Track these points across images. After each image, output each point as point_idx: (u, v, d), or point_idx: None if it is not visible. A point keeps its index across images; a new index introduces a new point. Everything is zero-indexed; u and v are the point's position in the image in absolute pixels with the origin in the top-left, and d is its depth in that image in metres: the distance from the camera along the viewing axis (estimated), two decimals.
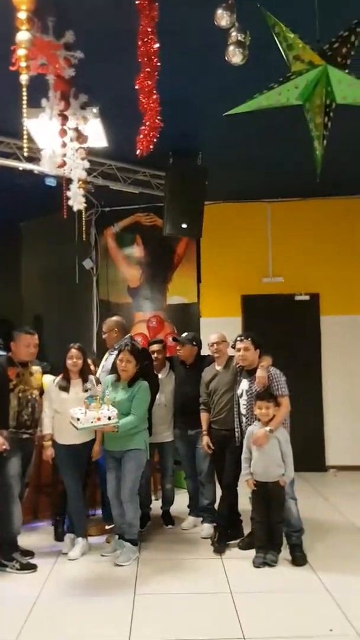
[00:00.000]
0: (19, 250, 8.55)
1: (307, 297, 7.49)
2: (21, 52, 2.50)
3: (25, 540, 4.74)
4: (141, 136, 2.95)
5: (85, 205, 4.33)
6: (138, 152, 3.06)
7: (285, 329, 7.28)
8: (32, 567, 4.25)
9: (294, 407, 4.54)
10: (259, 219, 7.51)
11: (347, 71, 2.71)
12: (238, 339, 4.62)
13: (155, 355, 5.15)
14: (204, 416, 4.90)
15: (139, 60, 2.84)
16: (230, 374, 4.78)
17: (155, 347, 5.20)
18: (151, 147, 3.05)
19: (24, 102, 2.51)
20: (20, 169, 5.35)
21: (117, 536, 4.61)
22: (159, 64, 2.84)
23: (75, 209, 4.00)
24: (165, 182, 5.89)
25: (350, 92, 2.70)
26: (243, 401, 4.57)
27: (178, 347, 5.20)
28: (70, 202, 3.96)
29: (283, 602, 3.73)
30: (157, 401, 5.02)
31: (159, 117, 2.95)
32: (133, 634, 3.32)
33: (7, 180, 6.01)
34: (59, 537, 4.83)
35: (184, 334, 5.32)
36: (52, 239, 7.32)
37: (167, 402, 5.11)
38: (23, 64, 2.50)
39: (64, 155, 3.60)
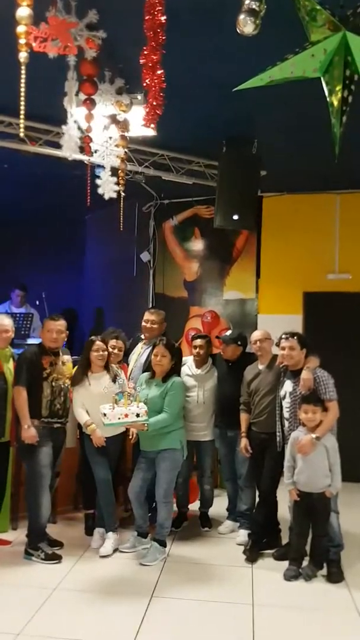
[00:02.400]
0: (84, 242, 8.68)
1: None
2: (21, 28, 2.42)
3: (59, 530, 4.75)
4: (144, 115, 2.80)
5: (123, 194, 4.23)
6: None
7: (351, 330, 6.83)
8: (57, 558, 4.21)
9: (348, 413, 4.22)
10: (326, 210, 7.05)
11: None
12: (283, 337, 4.35)
13: (197, 350, 4.95)
14: (243, 417, 4.66)
15: (145, 34, 2.68)
16: (273, 374, 4.52)
17: (198, 342, 4.99)
18: (153, 125, 2.88)
19: (22, 81, 2.42)
20: (70, 159, 5.30)
21: (136, 533, 4.51)
22: (163, 37, 2.66)
23: (106, 197, 3.91)
24: (217, 171, 5.67)
25: None
26: (286, 404, 4.31)
27: (222, 347, 4.97)
28: (100, 190, 3.86)
29: (307, 620, 3.48)
30: (194, 398, 4.85)
31: (162, 94, 2.78)
32: (138, 637, 3.19)
33: (67, 172, 6.03)
34: (88, 531, 4.74)
35: (228, 332, 5.10)
36: (112, 231, 7.31)
37: (205, 399, 4.88)
38: (22, 41, 2.41)
39: (90, 140, 3.49)
